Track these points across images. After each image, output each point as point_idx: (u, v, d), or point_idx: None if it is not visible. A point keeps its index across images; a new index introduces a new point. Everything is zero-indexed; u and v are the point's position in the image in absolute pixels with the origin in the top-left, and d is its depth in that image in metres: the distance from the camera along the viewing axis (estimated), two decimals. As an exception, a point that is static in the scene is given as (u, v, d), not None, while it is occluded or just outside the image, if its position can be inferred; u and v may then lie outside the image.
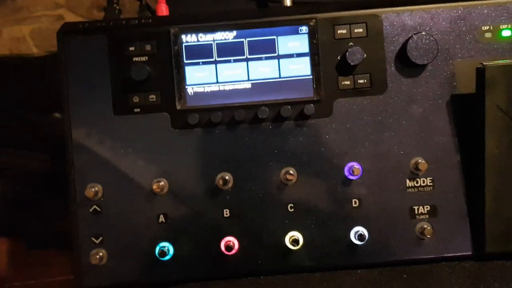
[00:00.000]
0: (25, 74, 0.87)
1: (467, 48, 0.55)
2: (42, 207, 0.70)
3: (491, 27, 0.55)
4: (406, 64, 0.54)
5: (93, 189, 0.53)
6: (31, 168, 0.72)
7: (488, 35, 0.55)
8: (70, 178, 0.55)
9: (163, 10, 0.60)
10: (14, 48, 0.94)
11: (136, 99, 0.55)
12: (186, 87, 0.55)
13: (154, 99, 0.55)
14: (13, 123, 0.78)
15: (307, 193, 0.55)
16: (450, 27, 0.55)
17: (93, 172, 0.55)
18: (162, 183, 0.54)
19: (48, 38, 0.91)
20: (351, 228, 0.54)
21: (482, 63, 0.52)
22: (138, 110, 0.55)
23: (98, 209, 0.54)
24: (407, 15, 0.55)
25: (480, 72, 0.52)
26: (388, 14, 0.55)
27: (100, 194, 0.54)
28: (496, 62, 0.52)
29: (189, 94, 0.55)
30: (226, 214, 0.54)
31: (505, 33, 0.55)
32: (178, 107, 0.55)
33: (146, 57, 0.55)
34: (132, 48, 0.55)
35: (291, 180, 0.54)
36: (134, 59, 0.55)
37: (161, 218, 0.54)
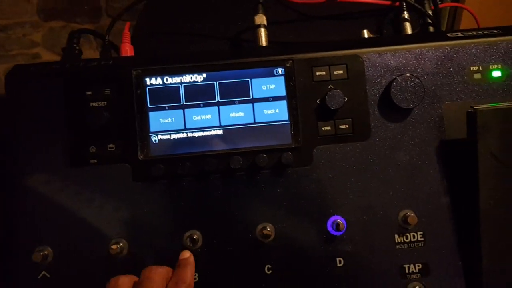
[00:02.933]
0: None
1: (455, 89, 0.51)
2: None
3: (480, 67, 0.52)
4: (391, 107, 0.50)
5: (41, 253, 0.47)
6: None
7: (477, 76, 0.52)
8: (14, 240, 0.48)
9: (127, 50, 0.56)
10: (-13, 87, 0.90)
11: (93, 149, 0.49)
12: (150, 134, 0.50)
13: (113, 149, 0.49)
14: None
15: (286, 252, 0.49)
16: (437, 68, 0.51)
17: (42, 232, 0.48)
18: (121, 244, 0.48)
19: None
20: (335, 294, 0.48)
21: (472, 107, 0.48)
22: (95, 161, 0.49)
23: (48, 276, 0.48)
24: (390, 56, 0.51)
25: (471, 116, 0.48)
26: (370, 55, 0.51)
27: (50, 258, 0.48)
28: (488, 105, 0.48)
29: (153, 142, 0.50)
30: (195, 279, 0.48)
31: (496, 73, 0.52)
32: (141, 157, 0.49)
33: (105, 102, 0.49)
34: (89, 93, 0.50)
35: (268, 237, 0.49)
36: (91, 104, 0.49)
37: None
